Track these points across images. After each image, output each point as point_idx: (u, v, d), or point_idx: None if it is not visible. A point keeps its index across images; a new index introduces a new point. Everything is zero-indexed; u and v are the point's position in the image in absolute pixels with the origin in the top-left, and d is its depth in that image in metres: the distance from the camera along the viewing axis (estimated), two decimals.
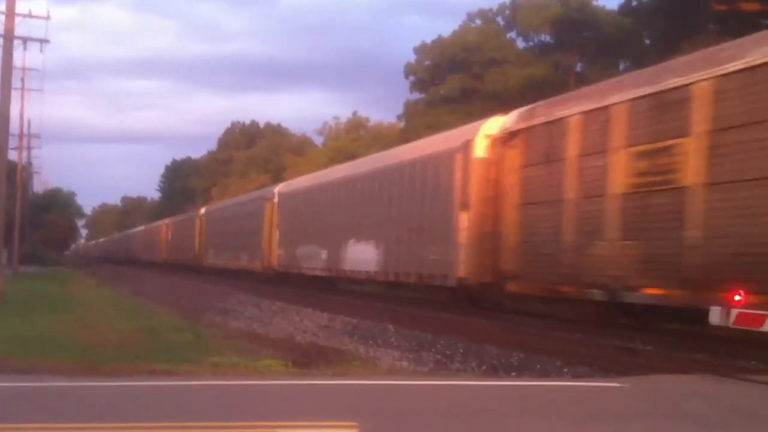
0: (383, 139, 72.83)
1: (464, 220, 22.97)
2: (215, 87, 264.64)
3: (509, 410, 9.60)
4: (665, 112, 16.20)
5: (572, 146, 19.03)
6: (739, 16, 37.36)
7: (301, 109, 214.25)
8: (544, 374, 13.49)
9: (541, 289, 20.19)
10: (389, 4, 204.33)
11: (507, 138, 21.91)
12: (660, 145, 16.21)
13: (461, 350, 16.15)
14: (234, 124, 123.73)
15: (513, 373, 13.66)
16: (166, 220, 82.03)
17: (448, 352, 16.08)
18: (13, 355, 13.41)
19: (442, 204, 24.53)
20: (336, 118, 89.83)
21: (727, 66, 14.87)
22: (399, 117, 74.86)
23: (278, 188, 45.01)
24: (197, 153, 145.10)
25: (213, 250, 57.00)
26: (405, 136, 58.72)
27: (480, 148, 22.86)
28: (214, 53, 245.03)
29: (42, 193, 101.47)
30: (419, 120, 63.77)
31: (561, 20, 59.57)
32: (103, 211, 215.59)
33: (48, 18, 47.77)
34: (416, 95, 69.89)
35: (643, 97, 16.83)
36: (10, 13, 29.53)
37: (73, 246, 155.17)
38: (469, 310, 23.40)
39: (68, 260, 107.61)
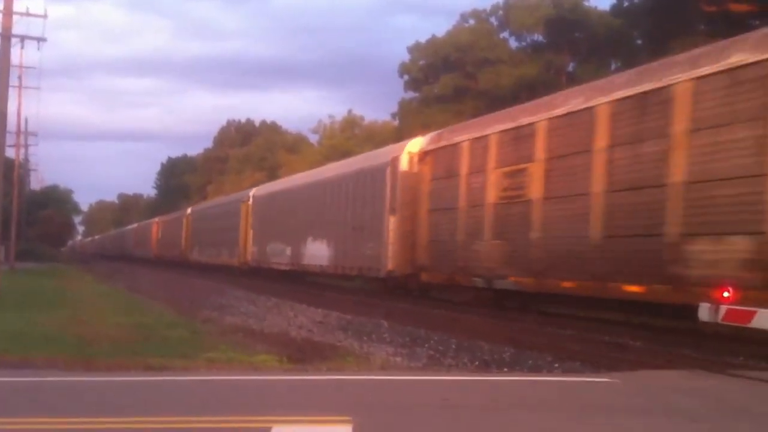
0: (377, 137, 72.86)
1: (392, 222, 27.60)
2: (211, 85, 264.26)
3: (501, 405, 9.68)
4: (520, 143, 21.32)
5: (464, 165, 24.08)
6: (729, 16, 37.49)
7: (296, 108, 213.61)
8: (535, 369, 13.56)
9: (444, 279, 25.12)
10: (384, 3, 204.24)
11: (422, 156, 26.99)
12: (516, 167, 21.29)
13: (454, 346, 16.21)
14: (229, 122, 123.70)
15: (505, 369, 13.70)
16: (157, 219, 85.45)
17: (441, 347, 16.14)
18: (9, 351, 13.43)
19: (376, 208, 28.93)
20: (331, 116, 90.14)
21: (555, 111, 20.21)
22: (393, 115, 74.96)
23: (253, 191, 49.15)
24: (193, 151, 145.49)
25: (198, 247, 60.65)
26: (399, 134, 58.80)
27: (404, 163, 27.68)
28: (210, 52, 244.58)
29: (39, 190, 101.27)
30: (413, 118, 63.81)
31: (553, 20, 59.73)
32: (100, 208, 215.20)
33: (45, 16, 48.05)
34: (410, 94, 70.02)
35: (507, 130, 21.99)
36: (8, 12, 29.51)
37: (69, 242, 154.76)
38: (465, 309, 23.90)
39: (65, 257, 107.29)
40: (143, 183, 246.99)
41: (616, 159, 17.57)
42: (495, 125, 22.77)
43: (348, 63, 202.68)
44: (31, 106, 78.08)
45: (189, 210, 68.04)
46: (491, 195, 22.36)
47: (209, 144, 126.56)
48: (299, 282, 38.60)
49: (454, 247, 24.08)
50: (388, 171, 28.41)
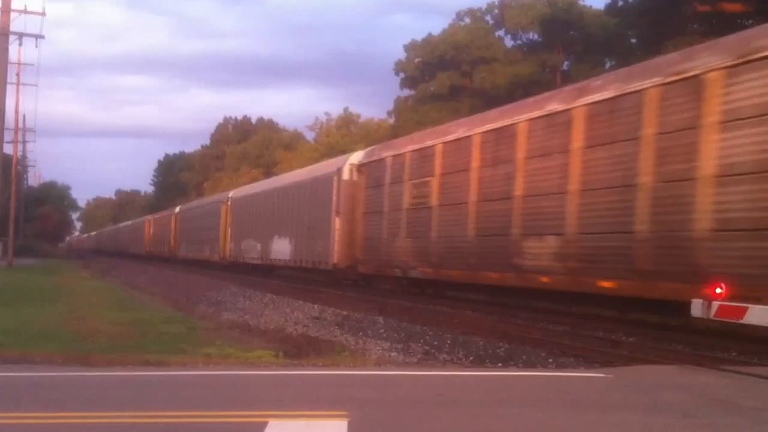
0: (373, 135, 72.89)
1: (337, 223, 32.22)
2: (207, 83, 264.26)
3: (495, 400, 9.70)
4: (425, 160, 25.88)
5: (387, 176, 28.67)
6: (722, 16, 37.57)
7: (292, 105, 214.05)
8: (529, 365, 13.63)
9: (374, 270, 29.76)
10: (380, 2, 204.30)
11: (359, 168, 31.47)
12: (422, 180, 25.88)
13: (449, 341, 16.29)
14: (226, 120, 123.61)
15: (499, 364, 13.78)
16: (149, 217, 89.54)
17: (436, 343, 16.22)
18: (8, 346, 13.50)
19: (325, 211, 33.66)
20: (327, 114, 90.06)
21: (447, 137, 24.93)
22: (389, 113, 75.02)
23: (231, 194, 53.85)
24: (190, 148, 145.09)
25: (184, 243, 64.85)
26: (395, 132, 58.86)
27: (346, 173, 32.33)
28: (207, 50, 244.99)
29: (36, 187, 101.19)
30: (409, 116, 63.91)
31: (548, 20, 59.88)
32: (98, 204, 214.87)
33: (43, 14, 47.93)
34: (406, 92, 70.07)
35: (417, 149, 26.71)
36: (6, 9, 29.60)
37: (67, 239, 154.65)
38: (458, 305, 23.94)
39: (62, 253, 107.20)
40: (141, 180, 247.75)
41: (484, 177, 22.35)
42: (409, 145, 27.92)
43: (344, 61, 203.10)
44: (29, 103, 78.35)
45: (177, 209, 71.38)
46: (406, 201, 26.94)
47: (206, 141, 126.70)
48: (269, 275, 42.94)
49: (381, 244, 28.75)
50: (335, 180, 33.21)
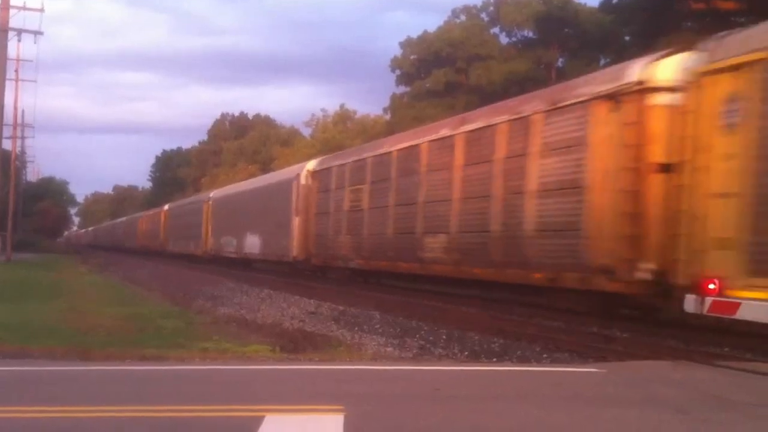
0: (370, 131, 72.93)
1: (296, 222, 36.89)
2: (206, 80, 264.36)
3: (490, 394, 9.76)
4: (360, 170, 30.88)
5: (333, 183, 33.56)
6: (716, 13, 37.61)
7: (289, 102, 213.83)
8: (524, 360, 13.66)
9: (323, 262, 34.63)
10: (375, 0, 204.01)
11: (313, 174, 36.39)
12: (358, 187, 30.72)
13: (444, 336, 16.32)
14: (223, 116, 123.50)
15: (494, 359, 13.81)
16: (142, 213, 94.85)
17: (431, 338, 16.25)
18: (7, 341, 13.54)
19: (287, 211, 38.22)
20: (324, 110, 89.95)
21: (378, 150, 30.22)
22: (385, 110, 75.02)
23: (212, 193, 58.74)
24: (188, 144, 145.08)
25: (172, 239, 69.27)
26: (391, 128, 58.91)
27: (303, 179, 37.01)
28: (205, 47, 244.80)
29: (35, 182, 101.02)
30: (405, 113, 63.97)
31: (543, 17, 59.88)
32: (96, 199, 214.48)
33: (42, 10, 47.84)
34: (402, 89, 70.07)
35: (354, 161, 31.76)
36: (5, 6, 29.58)
37: (65, 234, 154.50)
38: (453, 300, 24.03)
39: (60, 248, 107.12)
40: (139, 175, 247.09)
41: (400, 185, 27.23)
42: (350, 157, 33.19)
43: (341, 58, 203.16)
44: (28, 99, 78.11)
45: (166, 207, 76.39)
46: (346, 204, 31.78)
47: (204, 137, 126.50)
48: (244, 267, 46.54)
49: (328, 240, 33.64)
50: (294, 184, 38.00)
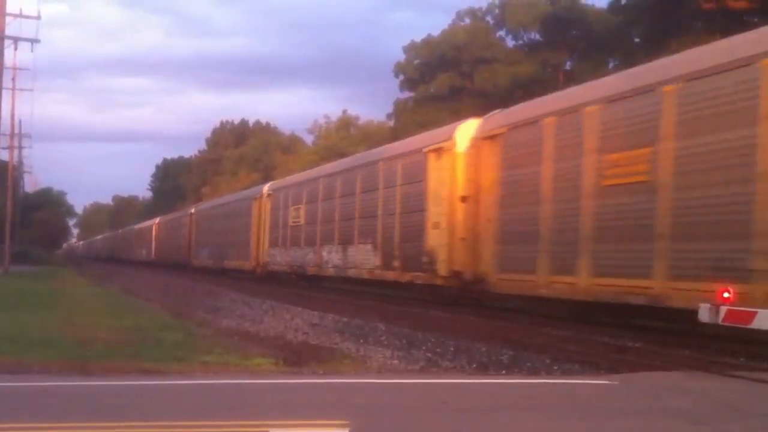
0: (373, 137, 72.87)
1: (252, 235, 45.75)
2: (205, 84, 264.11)
3: (499, 407, 9.64)
4: (299, 193, 39.57)
5: (281, 202, 41.53)
6: (727, 13, 37.50)
7: (291, 107, 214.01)
8: (533, 371, 13.49)
9: (275, 269, 42.13)
10: (379, 0, 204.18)
11: (268, 195, 44.26)
12: (297, 206, 38.53)
13: (451, 348, 16.15)
14: (223, 124, 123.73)
15: (503, 371, 13.64)
16: (136, 226, 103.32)
17: (438, 349, 16.07)
18: (3, 354, 13.36)
19: (248, 225, 46.66)
20: (326, 116, 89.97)
21: (310, 176, 38.79)
22: (389, 115, 74.97)
23: (194, 208, 66.80)
24: (188, 151, 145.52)
25: (162, 249, 77.36)
26: (395, 134, 58.80)
27: (263, 197, 44.99)
28: (204, 50, 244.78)
29: (33, 193, 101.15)
30: (409, 118, 63.89)
31: (550, 18, 59.69)
32: (95, 210, 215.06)
33: (38, 17, 47.45)
34: (406, 94, 69.97)
35: (299, 183, 39.81)
36: (1, 13, 29.37)
37: (64, 245, 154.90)
38: (456, 308, 23.73)
39: (59, 259, 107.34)
40: (138, 184, 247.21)
41: (324, 207, 35.28)
42: (293, 180, 42.98)
43: (344, 61, 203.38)
44: (25, 108, 77.72)
45: (157, 220, 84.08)
46: (290, 221, 39.61)
47: (203, 144, 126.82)
48: (221, 275, 51.77)
49: (277, 251, 41.64)
50: (254, 202, 46.11)
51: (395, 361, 14.54)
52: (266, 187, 44.96)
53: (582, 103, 19.21)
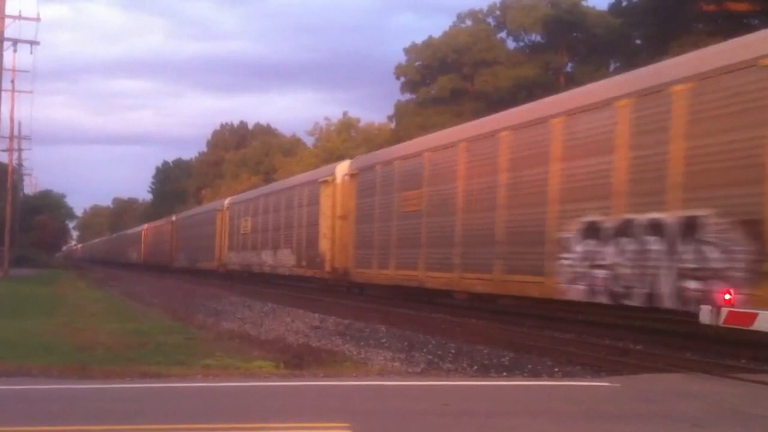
0: (374, 140, 72.79)
1: (217, 239, 53.61)
2: (206, 87, 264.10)
3: (501, 410, 9.61)
4: (249, 207, 47.17)
5: (242, 212, 48.52)
6: (729, 15, 37.47)
7: (291, 109, 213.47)
8: (535, 374, 13.50)
9: (235, 268, 49.12)
10: (381, 3, 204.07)
11: (228, 206, 52.57)
12: (255, 218, 45.50)
13: (453, 350, 16.16)
14: (223, 126, 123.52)
15: (504, 373, 13.66)
16: (129, 231, 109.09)
17: (439, 352, 16.08)
18: (4, 358, 13.36)
19: (214, 233, 54.37)
20: (327, 119, 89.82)
21: (257, 194, 48.61)
22: (390, 118, 74.87)
23: (174, 217, 73.09)
24: (189, 154, 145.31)
25: (150, 254, 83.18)
26: (396, 136, 58.76)
27: (224, 209, 53.18)
28: (205, 53, 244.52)
29: (32, 195, 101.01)
30: (410, 120, 63.81)
31: (551, 21, 59.55)
32: (95, 212, 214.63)
33: (38, 20, 47.41)
34: (407, 96, 69.85)
35: (249, 199, 48.22)
36: (0, 15, 29.31)
37: (64, 248, 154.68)
38: (457, 310, 23.67)
39: (59, 262, 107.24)
40: (138, 187, 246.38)
41: (266, 218, 43.04)
42: (245, 195, 51.99)
43: (345, 63, 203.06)
44: (25, 110, 77.16)
45: (145, 226, 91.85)
46: (243, 229, 47.20)
47: (204, 146, 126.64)
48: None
49: (234, 253, 49.45)
50: (218, 213, 53.94)
51: (396, 364, 14.55)
52: (227, 201, 54.15)
53: (394, 158, 28.69)
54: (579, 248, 17.81)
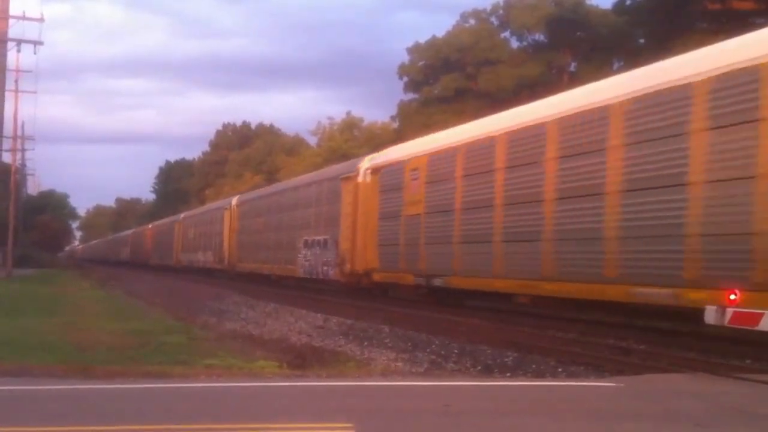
0: (377, 139, 72.74)
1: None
2: (208, 86, 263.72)
3: (504, 410, 9.60)
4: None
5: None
6: (732, 14, 37.42)
7: (294, 108, 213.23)
8: (538, 374, 13.47)
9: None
10: (384, 1, 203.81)
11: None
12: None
13: (456, 350, 16.14)
14: (225, 126, 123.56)
15: (508, 374, 13.63)
16: (130, 231, 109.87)
17: (442, 352, 16.06)
18: (6, 358, 13.34)
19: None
20: (330, 118, 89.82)
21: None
22: (393, 117, 74.86)
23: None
24: (192, 153, 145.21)
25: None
26: (399, 136, 58.72)
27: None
28: (207, 51, 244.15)
29: (35, 195, 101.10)
30: (413, 120, 63.79)
31: (554, 20, 59.54)
32: (98, 212, 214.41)
33: (42, 20, 47.27)
34: (410, 95, 69.85)
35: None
36: (4, 16, 29.28)
37: (67, 248, 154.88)
38: (458, 311, 23.64)
39: (62, 262, 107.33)
40: (141, 186, 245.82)
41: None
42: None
43: (348, 62, 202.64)
44: (28, 110, 77.12)
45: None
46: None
47: (206, 146, 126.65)
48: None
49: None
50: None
51: (399, 364, 14.54)
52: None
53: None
54: None
